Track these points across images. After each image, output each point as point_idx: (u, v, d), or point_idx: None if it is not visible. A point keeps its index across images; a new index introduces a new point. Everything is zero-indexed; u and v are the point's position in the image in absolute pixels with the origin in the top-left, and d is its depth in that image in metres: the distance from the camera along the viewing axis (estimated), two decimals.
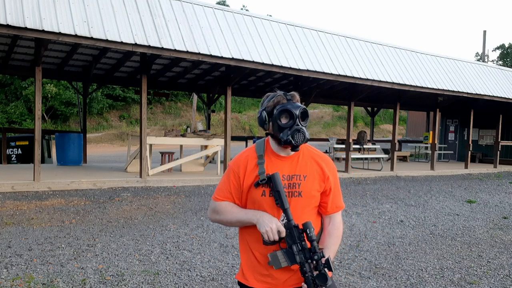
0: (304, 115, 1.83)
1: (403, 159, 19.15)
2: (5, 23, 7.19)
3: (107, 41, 8.18)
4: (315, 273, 1.73)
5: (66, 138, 12.49)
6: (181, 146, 12.47)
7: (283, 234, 1.75)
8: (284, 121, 1.81)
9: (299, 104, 1.84)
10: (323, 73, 11.11)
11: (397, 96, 14.12)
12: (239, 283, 1.99)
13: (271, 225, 1.75)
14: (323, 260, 1.73)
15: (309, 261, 1.73)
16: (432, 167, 14.89)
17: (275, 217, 1.80)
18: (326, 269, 1.72)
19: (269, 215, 1.80)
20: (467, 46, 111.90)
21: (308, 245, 1.76)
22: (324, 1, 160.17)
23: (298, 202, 1.85)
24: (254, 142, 14.95)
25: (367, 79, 12.00)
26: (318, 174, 1.90)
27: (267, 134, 1.93)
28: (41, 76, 8.62)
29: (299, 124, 1.80)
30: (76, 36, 7.86)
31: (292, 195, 1.85)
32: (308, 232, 1.74)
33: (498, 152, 17.16)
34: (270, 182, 1.83)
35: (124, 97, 30.47)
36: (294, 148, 1.84)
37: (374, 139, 19.76)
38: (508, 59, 44.82)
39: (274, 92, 1.92)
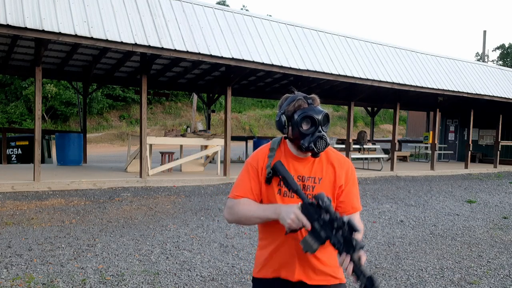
0: (326, 120, 1.78)
1: (403, 159, 19.15)
2: (5, 23, 7.19)
3: (107, 41, 8.18)
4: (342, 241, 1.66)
5: (66, 138, 12.49)
6: (181, 146, 12.47)
7: (304, 220, 1.67)
8: (305, 127, 1.75)
9: (320, 108, 1.78)
10: (323, 73, 11.11)
11: (397, 96, 14.12)
12: (257, 280, 1.95)
13: (291, 216, 1.67)
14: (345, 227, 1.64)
15: (334, 232, 1.67)
16: (432, 167, 14.89)
17: (293, 205, 1.73)
18: (352, 232, 1.63)
19: (286, 206, 1.73)
20: (467, 46, 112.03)
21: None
22: (324, 1, 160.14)
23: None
24: (254, 142, 14.83)
25: (367, 79, 11.99)
26: (334, 177, 1.86)
27: (285, 138, 1.87)
28: (41, 76, 8.62)
29: (321, 130, 1.75)
30: (76, 36, 7.86)
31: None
32: (321, 203, 1.67)
33: (498, 152, 17.16)
34: (276, 173, 1.79)
35: (124, 97, 30.48)
36: (315, 155, 1.80)
37: (374, 139, 19.75)
38: (508, 59, 44.85)
39: (292, 94, 1.85)
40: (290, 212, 1.68)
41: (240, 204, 1.82)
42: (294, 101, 1.80)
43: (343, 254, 1.63)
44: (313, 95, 1.83)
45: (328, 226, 1.67)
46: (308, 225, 1.67)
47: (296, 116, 1.76)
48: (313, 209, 1.70)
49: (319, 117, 1.75)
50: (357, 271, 1.61)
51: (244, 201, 1.83)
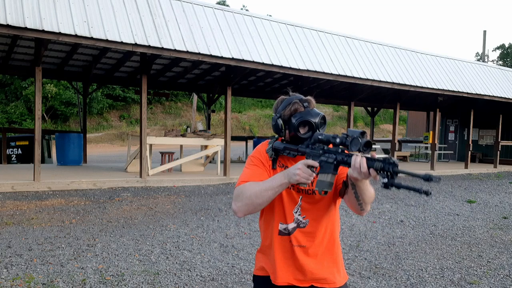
0: (323, 123, 1.79)
1: (403, 159, 19.14)
2: (5, 23, 7.19)
3: (107, 41, 8.18)
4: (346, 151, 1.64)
5: (66, 138, 12.49)
6: (181, 146, 12.46)
7: (310, 162, 1.64)
8: (302, 131, 1.77)
9: (316, 110, 1.79)
10: (323, 73, 11.11)
11: (397, 96, 14.12)
12: (257, 278, 1.94)
13: (298, 166, 1.63)
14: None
15: (339, 149, 1.65)
16: (432, 167, 14.89)
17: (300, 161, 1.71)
18: (354, 137, 1.60)
19: (292, 166, 1.70)
20: (467, 46, 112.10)
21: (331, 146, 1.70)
22: (324, 1, 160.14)
23: (312, 198, 1.81)
24: (254, 142, 14.78)
25: (367, 79, 11.99)
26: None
27: (283, 141, 1.87)
28: (41, 76, 8.62)
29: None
30: (76, 36, 7.87)
31: (306, 192, 1.81)
32: (320, 136, 1.68)
33: (498, 152, 17.15)
34: (277, 152, 1.80)
35: (124, 97, 30.48)
36: None
37: (374, 139, 19.75)
38: (508, 59, 44.88)
39: (288, 96, 1.85)
40: (297, 164, 1.65)
41: (246, 186, 1.77)
42: (290, 105, 1.81)
43: (353, 156, 1.60)
44: (308, 97, 1.84)
45: (332, 151, 1.66)
46: (315, 163, 1.65)
47: (293, 120, 1.77)
48: (315, 149, 1.70)
49: (316, 120, 1.76)
50: (370, 162, 1.57)
51: (250, 183, 1.78)
